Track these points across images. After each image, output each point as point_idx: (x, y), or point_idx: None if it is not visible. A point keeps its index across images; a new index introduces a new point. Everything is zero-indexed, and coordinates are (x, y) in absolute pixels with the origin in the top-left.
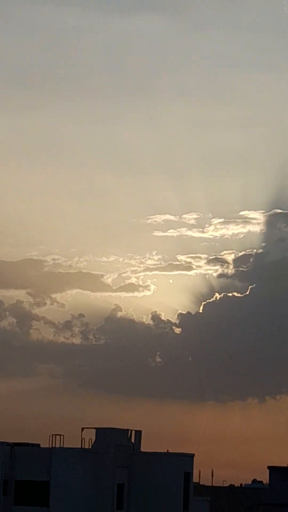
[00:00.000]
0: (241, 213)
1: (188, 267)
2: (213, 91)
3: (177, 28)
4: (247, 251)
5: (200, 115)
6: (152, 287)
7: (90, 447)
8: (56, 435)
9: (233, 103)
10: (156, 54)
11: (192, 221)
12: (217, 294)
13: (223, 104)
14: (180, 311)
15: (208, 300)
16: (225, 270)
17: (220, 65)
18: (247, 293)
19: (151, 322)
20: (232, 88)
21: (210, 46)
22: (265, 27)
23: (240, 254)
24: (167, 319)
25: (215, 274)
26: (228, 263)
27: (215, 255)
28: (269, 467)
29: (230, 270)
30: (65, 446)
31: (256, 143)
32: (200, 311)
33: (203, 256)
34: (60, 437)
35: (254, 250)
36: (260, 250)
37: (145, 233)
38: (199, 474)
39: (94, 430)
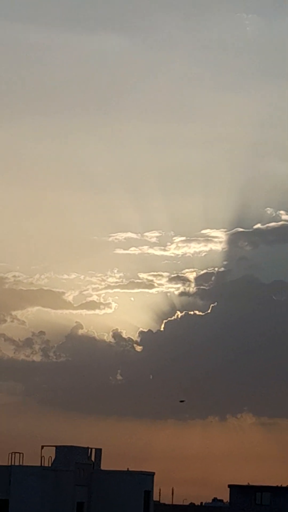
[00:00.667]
0: (203, 231)
1: (150, 285)
2: (175, 109)
3: (140, 47)
4: (208, 269)
5: (161, 133)
6: (113, 304)
7: (50, 465)
8: (15, 453)
9: (195, 121)
10: (118, 72)
11: (153, 239)
12: (178, 312)
13: (184, 123)
14: (141, 329)
15: (169, 318)
16: (187, 288)
17: (182, 83)
18: (209, 311)
19: (112, 340)
20: (194, 107)
21: (172, 65)
22: (228, 47)
23: (202, 272)
24: (128, 337)
25: (176, 292)
26: (189, 281)
27: (176, 273)
28: (229, 486)
29: (192, 288)
30: (24, 464)
31: (218, 161)
32: (162, 329)
33: (165, 274)
34: (20, 455)
35: (216, 269)
36: (222, 269)
37: (107, 250)
38: (160, 493)
39: (54, 448)
